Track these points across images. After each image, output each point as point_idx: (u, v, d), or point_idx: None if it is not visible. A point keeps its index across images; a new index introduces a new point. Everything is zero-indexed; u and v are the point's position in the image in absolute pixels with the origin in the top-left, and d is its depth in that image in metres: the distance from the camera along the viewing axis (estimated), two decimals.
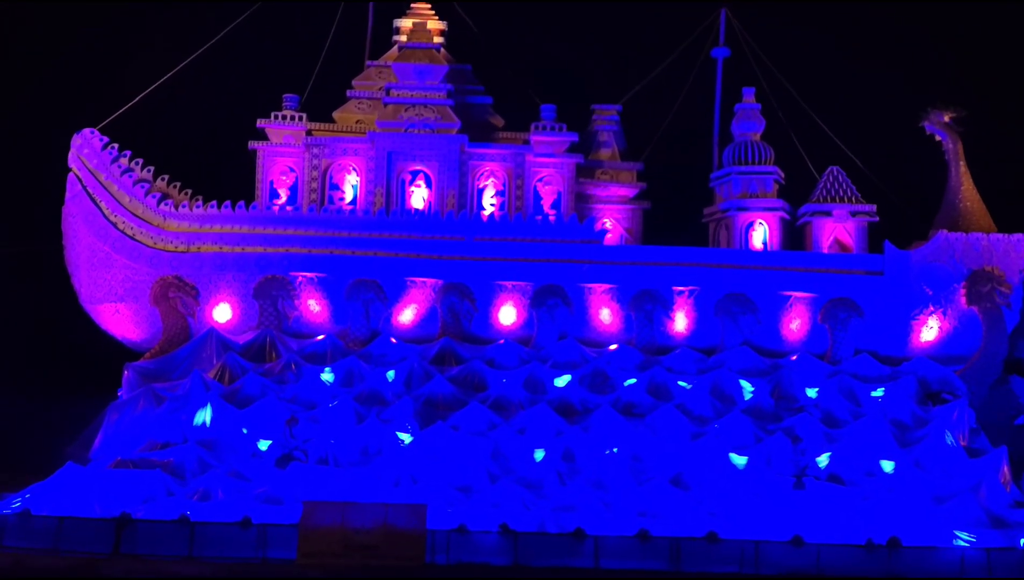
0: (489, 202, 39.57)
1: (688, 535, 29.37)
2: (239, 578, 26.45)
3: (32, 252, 40.46)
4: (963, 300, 36.82)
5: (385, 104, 39.60)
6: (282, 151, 39.53)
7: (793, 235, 40.43)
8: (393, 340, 36.56)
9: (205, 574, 24.48)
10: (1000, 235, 37.24)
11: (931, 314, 36.97)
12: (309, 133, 39.59)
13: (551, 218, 39.25)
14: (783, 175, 40.74)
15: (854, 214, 39.22)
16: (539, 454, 32.82)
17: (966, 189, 38.33)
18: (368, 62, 42.23)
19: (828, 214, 39.30)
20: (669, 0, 50.82)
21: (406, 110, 39.30)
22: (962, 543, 30.02)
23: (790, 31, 51.72)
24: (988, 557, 28.99)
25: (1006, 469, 32.76)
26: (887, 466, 32.59)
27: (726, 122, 42.41)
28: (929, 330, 36.98)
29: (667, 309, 37.34)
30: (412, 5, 42.29)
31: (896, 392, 35.14)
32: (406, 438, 32.93)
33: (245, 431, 32.91)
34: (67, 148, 37.97)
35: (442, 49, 41.36)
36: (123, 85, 40.41)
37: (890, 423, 33.86)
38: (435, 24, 41.57)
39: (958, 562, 28.93)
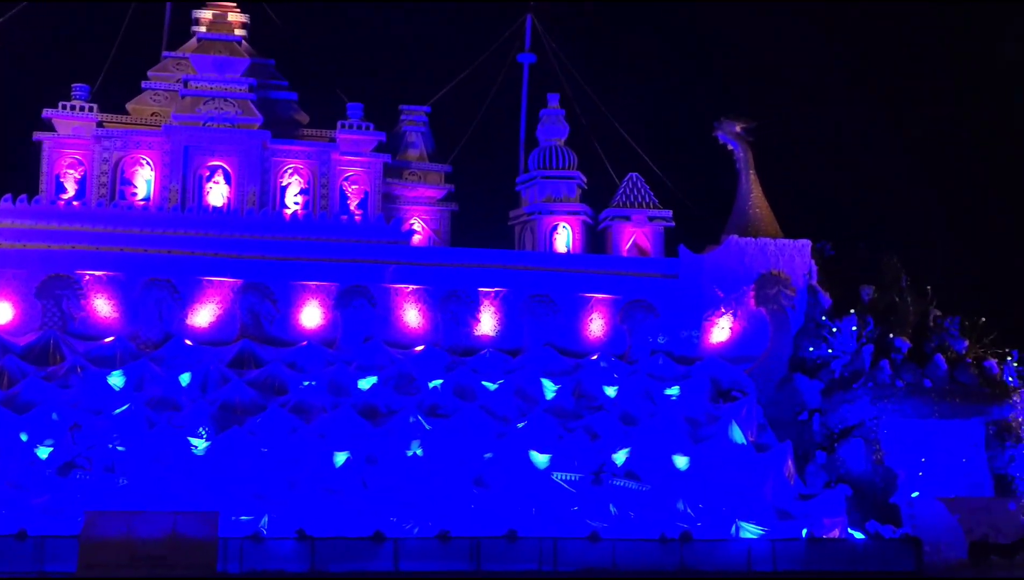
0: (293, 200, 38.62)
1: (488, 534, 29.37)
2: None
3: None
4: (752, 302, 38.18)
5: (182, 96, 38.08)
6: (70, 143, 37.47)
7: (595, 239, 41.27)
8: (188, 342, 35.14)
9: None
10: (786, 240, 38.90)
11: (723, 315, 38.21)
12: (100, 125, 37.68)
13: (357, 218, 38.62)
14: (586, 180, 41.57)
15: (652, 219, 40.36)
16: (340, 458, 32.14)
17: (755, 196, 39.92)
18: (165, 53, 40.52)
19: (627, 219, 40.30)
20: (479, 1, 51.11)
21: (205, 103, 37.95)
22: (749, 535, 31.22)
23: (596, 38, 53.13)
24: (773, 548, 30.20)
25: (790, 463, 34.22)
26: (680, 462, 33.46)
27: (532, 127, 43.01)
28: (720, 330, 38.23)
29: (473, 310, 37.33)
30: None
31: (690, 390, 36.15)
32: (200, 444, 31.67)
33: (24, 438, 30.85)
34: None
35: (244, 42, 40.13)
36: None
37: (684, 420, 34.79)
38: (236, 16, 40.27)
39: (745, 553, 30.04)
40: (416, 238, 40.09)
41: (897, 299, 37.77)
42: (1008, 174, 48.89)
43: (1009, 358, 37.22)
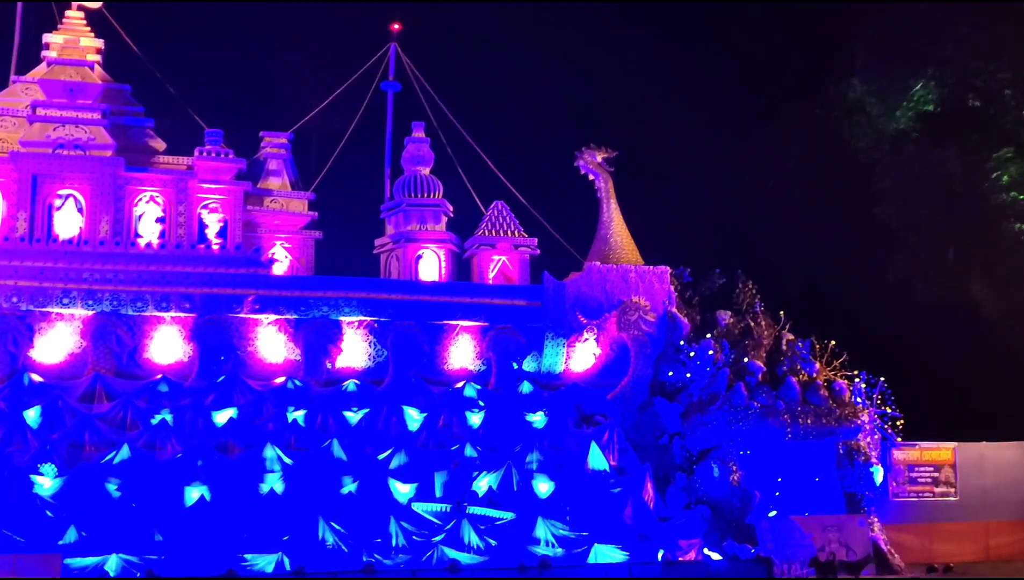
0: (149, 229, 37.22)
1: (347, 569, 28.77)
2: None
3: None
4: (615, 327, 38.48)
5: (31, 122, 36.52)
6: None
7: (461, 267, 41.15)
8: (34, 377, 33.61)
9: None
10: (646, 267, 39.41)
11: (585, 341, 38.43)
12: None
13: (216, 247, 37.51)
14: (451, 208, 41.42)
15: (517, 247, 40.49)
16: (193, 494, 31.18)
17: (616, 224, 40.38)
18: (13, 78, 38.80)
19: (493, 246, 40.38)
20: (345, 26, 50.69)
21: (55, 129, 36.49)
22: (609, 559, 31.28)
23: (461, 66, 53.15)
24: (630, 571, 30.40)
25: (650, 486, 34.57)
26: (543, 488, 33.47)
27: (397, 154, 42.67)
28: (585, 357, 38.44)
29: (336, 340, 36.63)
30: (64, 18, 39.22)
31: (554, 417, 36.25)
32: (46, 483, 30.42)
33: None
34: None
35: (97, 67, 38.69)
36: None
37: (548, 447, 34.86)
38: (90, 41, 38.78)
39: (604, 578, 30.07)
40: (279, 266, 39.20)
41: (752, 323, 38.55)
42: (851, 200, 50.52)
43: (857, 379, 38.36)
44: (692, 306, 39.35)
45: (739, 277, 40.10)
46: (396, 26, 43.86)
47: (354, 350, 36.92)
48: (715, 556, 32.96)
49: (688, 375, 37.58)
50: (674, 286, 39.36)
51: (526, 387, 37.36)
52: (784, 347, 38.64)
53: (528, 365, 38.00)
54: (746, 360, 37.78)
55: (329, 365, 36.33)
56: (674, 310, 38.82)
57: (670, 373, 37.82)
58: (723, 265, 40.60)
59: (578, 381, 38.00)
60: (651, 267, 39.31)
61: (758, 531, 34.07)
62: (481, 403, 36.44)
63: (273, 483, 32.01)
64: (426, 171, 41.54)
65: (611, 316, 38.46)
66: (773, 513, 35.20)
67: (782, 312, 39.40)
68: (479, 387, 37.01)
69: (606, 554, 31.42)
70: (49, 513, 29.66)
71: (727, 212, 54.59)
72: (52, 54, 38.24)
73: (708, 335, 38.25)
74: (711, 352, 37.69)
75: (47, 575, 26.10)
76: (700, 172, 56.84)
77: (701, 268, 40.27)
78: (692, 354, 37.73)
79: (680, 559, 31.76)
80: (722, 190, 55.23)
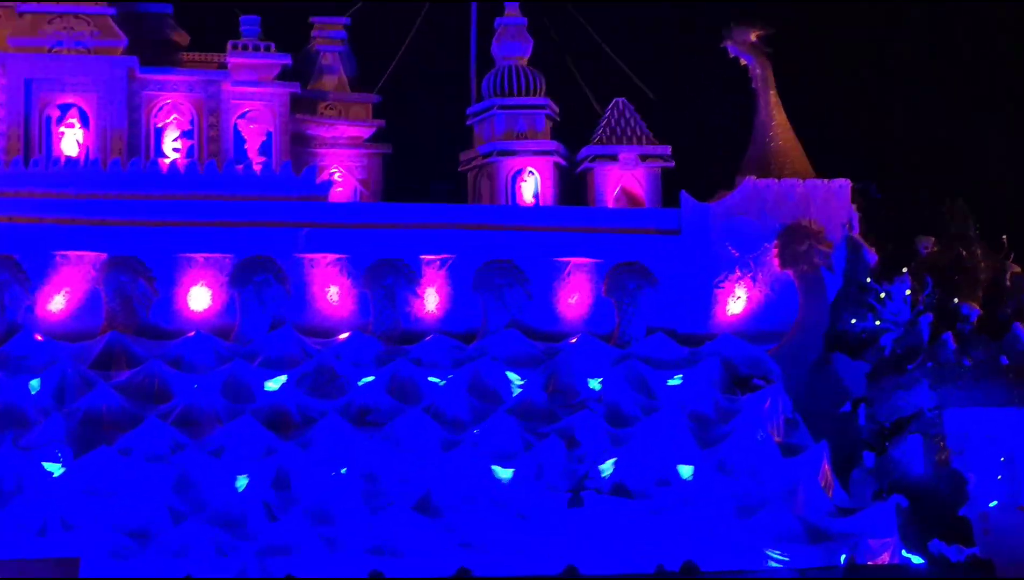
0: (172, 147, 38.53)
1: (435, 575, 29.38)
2: None
3: None
4: (776, 262, 38.30)
5: (20, 14, 37.84)
6: None
7: (571, 185, 41.21)
8: (38, 337, 35.03)
9: None
10: (819, 181, 38.98)
11: (738, 281, 38.35)
12: None
13: (257, 167, 38.43)
14: (558, 110, 41.42)
15: (644, 158, 40.32)
16: (241, 482, 32.10)
17: (778, 125, 39.96)
18: None
19: (613, 159, 40.27)
20: None
21: (50, 22, 37.80)
22: (774, 563, 31.31)
23: None
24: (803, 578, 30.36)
25: (827, 469, 34.42)
26: (684, 472, 33.54)
27: (485, 43, 42.75)
28: (736, 301, 38.38)
29: (413, 284, 37.26)
30: None
31: (696, 379, 36.26)
32: (56, 469, 31.57)
33: None
34: None
35: None
36: None
37: (689, 418, 34.89)
38: None
39: None
40: (337, 191, 39.88)
41: (964, 253, 37.80)
42: None
43: None
44: (883, 232, 38.87)
45: (946, 193, 39.47)
46: None
47: (436, 297, 37.54)
48: (916, 560, 32.70)
49: (877, 323, 37.21)
50: (857, 205, 38.91)
51: (660, 341, 37.40)
52: (1008, 283, 37.85)
53: (663, 312, 38.05)
54: (956, 302, 37.17)
55: (404, 316, 37.09)
56: (857, 237, 38.42)
57: (853, 320, 37.50)
58: (924, 179, 40.02)
59: (728, 332, 37.92)
60: (826, 180, 38.86)
61: (974, 526, 33.71)
62: (601, 362, 36.65)
63: (340, 467, 32.71)
64: (524, 61, 41.66)
65: (772, 246, 38.24)
66: (994, 503, 34.75)
67: (1004, 237, 38.57)
68: (599, 341, 37.22)
69: (771, 557, 31.43)
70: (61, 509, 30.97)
71: (932, 111, 53.35)
72: None
73: (904, 269, 37.74)
74: (908, 292, 37.23)
75: None
76: (896, 64, 55.59)
77: (893, 182, 39.76)
78: (883, 295, 37.31)
79: (869, 564, 31.58)
80: (924, 84, 53.97)
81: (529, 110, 40.90)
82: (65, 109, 37.65)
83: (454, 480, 32.44)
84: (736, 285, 38.38)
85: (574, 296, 38.10)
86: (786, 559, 31.32)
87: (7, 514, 30.25)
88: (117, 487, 31.17)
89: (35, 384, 33.74)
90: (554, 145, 40.70)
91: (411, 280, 37.33)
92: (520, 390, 35.64)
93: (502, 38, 41.86)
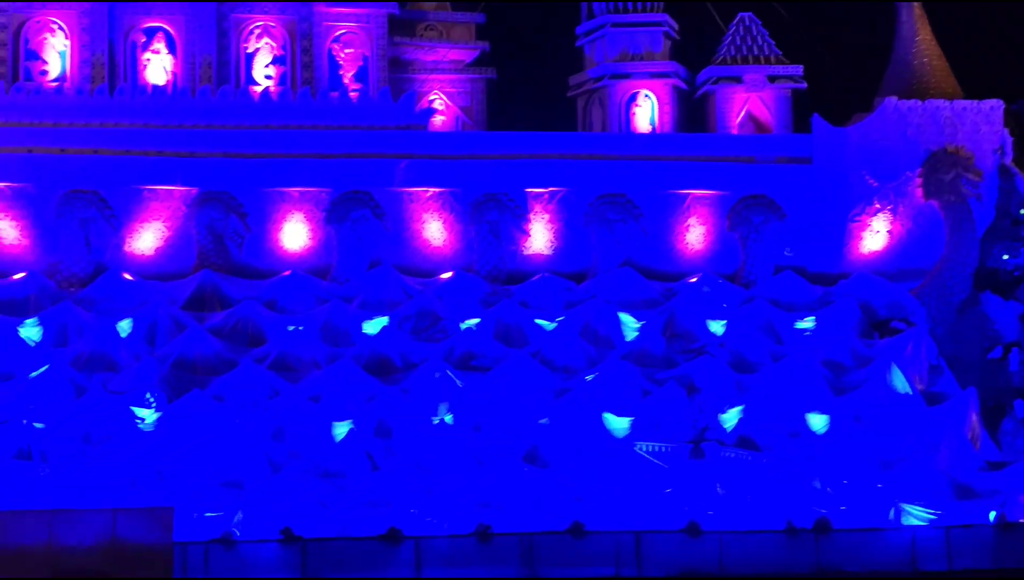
0: (263, 74, 38.94)
1: (546, 529, 29.80)
2: None
3: None
4: (919, 192, 37.87)
5: None
6: None
7: (691, 110, 41.05)
8: (126, 276, 35.92)
9: None
10: (968, 102, 38.38)
11: (876, 213, 38.02)
12: None
13: (353, 95, 38.81)
14: (677, 27, 41.12)
15: (773, 79, 40.02)
16: (341, 430, 32.77)
17: (922, 40, 39.40)
18: None
19: (738, 80, 40.03)
20: None
21: None
22: (915, 521, 31.20)
23: None
24: (948, 538, 30.16)
25: (975, 419, 34.15)
26: (817, 422, 33.52)
27: None
28: (874, 236, 38.09)
29: (520, 220, 37.53)
30: None
31: (830, 322, 36.11)
32: (148, 416, 32.45)
33: None
34: None
35: None
36: None
37: (821, 364, 34.77)
38: None
39: (908, 546, 30.03)
40: (438, 120, 40.14)
41: None
42: None
43: None
44: None
45: None
46: None
47: (544, 233, 37.77)
48: None
49: None
50: (1011, 129, 38.25)
51: (789, 280, 37.30)
52: None
53: (793, 249, 37.91)
54: None
55: (510, 254, 37.41)
56: (1011, 164, 37.81)
57: (1005, 256, 37.08)
58: None
59: (866, 270, 37.72)
60: (976, 101, 38.27)
61: None
62: (724, 304, 36.75)
63: (443, 414, 33.24)
64: None
65: (915, 175, 37.81)
66: None
67: None
68: (722, 281, 37.28)
69: (911, 514, 31.30)
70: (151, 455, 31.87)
71: None
72: None
73: None
74: None
75: (156, 536, 27.99)
76: None
77: None
78: None
79: (1022, 522, 31.27)
80: None
81: (645, 28, 40.71)
82: (151, 34, 38.23)
83: (565, 430, 32.77)
84: (874, 218, 38.04)
85: (694, 232, 38.08)
86: (930, 516, 31.17)
87: (97, 462, 31.24)
88: (211, 435, 31.97)
89: (125, 326, 34.63)
90: (672, 66, 40.49)
91: (517, 215, 37.53)
92: (635, 334, 35.78)
93: None
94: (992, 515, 31.41)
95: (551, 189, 37.73)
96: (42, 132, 36.22)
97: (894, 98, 38.31)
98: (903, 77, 39.25)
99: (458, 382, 33.78)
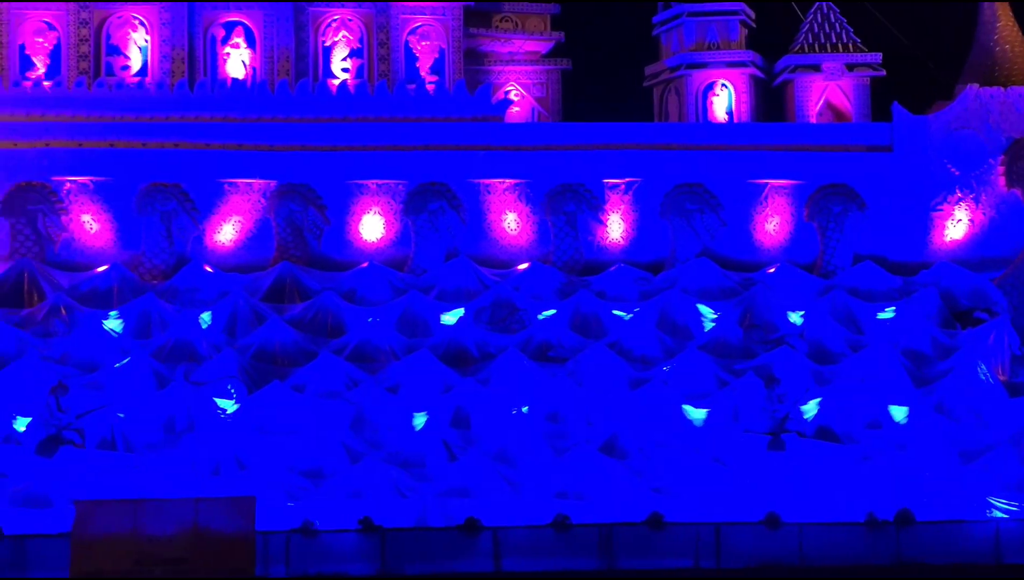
0: (341, 67, 39.21)
1: (624, 520, 29.65)
2: None
3: None
4: (1002, 181, 37.55)
5: None
6: (37, 3, 38.40)
7: (769, 100, 40.84)
8: (207, 268, 36.33)
9: None
10: None
11: (958, 202, 37.73)
12: None
13: (430, 87, 38.98)
14: (753, 15, 40.90)
15: (852, 67, 39.70)
16: (419, 419, 32.89)
17: (1004, 26, 39.01)
18: None
19: (816, 69, 39.76)
20: None
21: None
22: (999, 513, 30.77)
23: None
24: None
25: None
26: (898, 414, 33.23)
27: None
28: (956, 225, 37.78)
29: (596, 210, 37.45)
30: None
31: (911, 312, 35.81)
32: (229, 406, 32.80)
33: None
34: None
35: None
36: None
37: (902, 355, 34.48)
38: None
39: (992, 539, 29.60)
40: (514, 111, 40.18)
41: None
42: None
43: None
44: None
45: None
46: None
47: (621, 224, 37.66)
48: None
49: None
50: None
51: (870, 270, 37.03)
52: None
53: (873, 238, 37.58)
54: None
55: (586, 244, 37.35)
56: None
57: None
58: None
59: (947, 260, 37.39)
60: None
61: None
62: (802, 294, 36.43)
63: (521, 406, 33.23)
64: None
65: (998, 164, 37.44)
66: None
67: None
68: (800, 271, 37.04)
69: (996, 506, 30.88)
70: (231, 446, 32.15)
71: None
72: None
73: None
74: None
75: (239, 525, 28.20)
76: None
77: None
78: None
79: None
80: None
81: (722, 17, 40.55)
82: (230, 28, 38.62)
83: (642, 421, 32.66)
84: (956, 207, 37.72)
85: (772, 221, 37.90)
86: (1014, 508, 30.74)
87: (180, 452, 31.60)
88: (291, 425, 32.25)
89: (206, 317, 35.00)
90: (750, 55, 40.29)
91: (594, 206, 37.49)
92: (713, 324, 35.65)
93: None
94: None
95: (628, 179, 37.71)
96: (123, 126, 36.71)
97: (976, 85, 37.96)
98: (985, 65, 38.85)
99: (535, 373, 33.73)
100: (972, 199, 37.63)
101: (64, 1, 38.17)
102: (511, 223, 37.59)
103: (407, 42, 39.39)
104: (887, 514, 29.83)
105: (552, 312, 35.76)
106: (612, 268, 37.19)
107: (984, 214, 37.65)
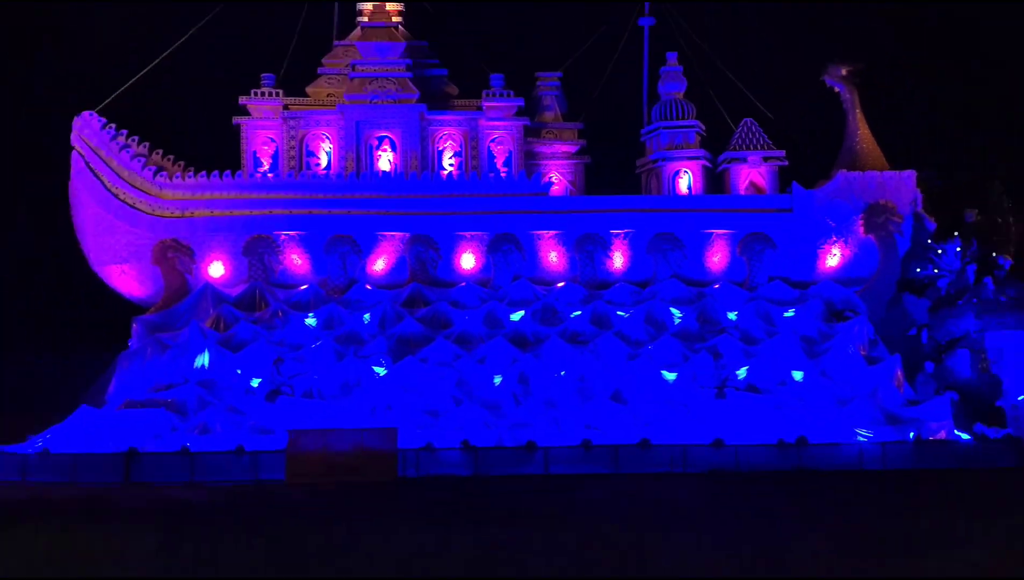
0: (448, 162, 39.04)
1: (626, 443, 29.55)
2: (235, 498, 26.38)
3: (45, 224, 39.85)
4: (861, 230, 36.79)
5: (351, 79, 38.86)
6: (263, 124, 38.77)
7: (714, 180, 40.21)
8: (368, 287, 36.31)
9: (204, 497, 24.39)
10: (892, 173, 37.12)
11: (834, 243, 36.97)
12: (286, 108, 38.81)
13: (503, 174, 38.81)
14: (704, 128, 40.42)
15: (766, 159, 39.05)
16: (497, 380, 32.87)
17: (862, 133, 38.18)
18: (335, 42, 41.20)
19: (744, 160, 39.13)
20: None
21: (370, 83, 38.60)
22: (861, 439, 30.36)
23: None
24: (883, 450, 29.34)
25: (899, 373, 33.06)
26: (797, 375, 32.84)
27: (654, 84, 41.90)
28: (833, 257, 37.03)
29: (606, 250, 37.22)
30: None
31: (805, 312, 35.28)
32: (381, 371, 32.90)
33: (239, 372, 32.74)
34: (68, 128, 37.21)
35: (400, 28, 40.48)
36: (117, 69, 39.41)
37: (800, 339, 34.02)
38: (393, 5, 40.57)
39: (857, 455, 29.25)
40: (554, 189, 40.11)
41: (999, 220, 35.45)
42: None
43: None
44: (940, 207, 36.69)
45: (986, 176, 37.00)
46: None
47: (621, 258, 37.35)
48: (964, 437, 31.11)
49: (936, 271, 35.32)
50: (921, 188, 36.80)
51: (778, 286, 36.38)
52: None
53: (780, 266, 36.89)
54: (994, 255, 34.88)
55: (600, 271, 36.87)
56: (921, 211, 36.42)
57: (918, 269, 35.69)
58: (969, 166, 37.57)
59: (827, 280, 36.64)
60: (897, 172, 36.91)
61: (1007, 414, 31.82)
62: (736, 301, 35.91)
63: (560, 371, 33.16)
64: (680, 96, 40.58)
65: (859, 219, 36.69)
66: (1022, 397, 32.62)
67: None
68: (735, 287, 36.50)
69: (859, 434, 30.43)
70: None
71: (970, 116, 49.83)
72: (364, 19, 40.21)
73: (956, 233, 35.60)
74: (959, 249, 35.14)
75: (387, 445, 28.38)
76: (941, 80, 51.99)
77: (948, 170, 37.46)
78: (940, 251, 35.37)
79: (931, 439, 30.22)
80: (968, 98, 50.35)
81: (684, 129, 39.97)
82: (380, 140, 38.67)
83: (636, 381, 32.61)
84: (833, 246, 37.01)
85: (717, 256, 37.36)
86: (871, 435, 30.32)
87: (352, 400, 31.85)
88: (419, 383, 32.41)
89: (367, 317, 35.11)
90: (702, 153, 39.82)
91: (605, 247, 37.22)
92: (680, 320, 35.31)
93: (665, 81, 40.96)
94: (912, 435, 30.43)
95: (626, 230, 37.32)
96: (316, 201, 36.75)
97: (844, 170, 37.30)
98: (849, 157, 38.12)
99: (569, 351, 33.45)
100: (843, 242, 36.94)
101: (279, 123, 38.57)
102: (553, 258, 37.36)
103: (489, 147, 39.31)
104: (791, 439, 29.63)
105: (579, 313, 35.55)
106: (616, 285, 36.79)
107: (851, 251, 36.92)
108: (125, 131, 37.32)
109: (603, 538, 17.56)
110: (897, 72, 49.60)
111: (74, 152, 36.98)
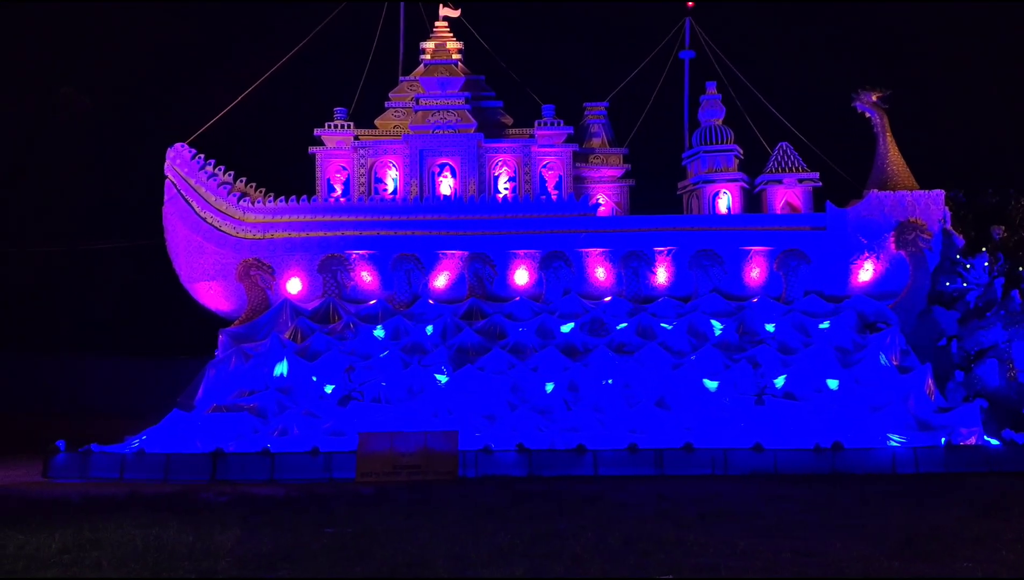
0: (503, 186, 39.32)
1: (669, 446, 29.39)
2: (310, 495, 26.82)
3: (143, 245, 41.04)
4: (892, 246, 36.20)
5: (416, 111, 39.41)
6: (335, 153, 39.47)
7: (751, 201, 39.88)
8: (431, 301, 36.67)
9: (281, 494, 24.89)
10: (921, 192, 36.49)
11: (867, 259, 36.40)
12: (356, 138, 39.48)
13: (554, 197, 38.94)
14: (742, 152, 40.16)
15: (801, 181, 38.60)
16: (549, 387, 32.94)
17: (892, 155, 37.56)
18: (401, 78, 41.88)
19: (780, 182, 38.74)
20: (642, 13, 49.95)
21: (432, 115, 39.09)
22: (894, 444, 29.78)
23: (747, 31, 50.78)
24: (915, 454, 28.74)
25: (931, 382, 32.39)
26: (832, 384, 32.39)
27: (694, 111, 41.69)
28: (865, 272, 36.44)
29: (650, 266, 37.11)
30: (435, 28, 41.84)
31: (839, 324, 34.79)
32: (442, 379, 33.17)
33: (314, 379, 33.27)
34: (161, 158, 38.39)
35: (459, 64, 40.97)
36: (205, 102, 40.59)
37: (834, 349, 33.58)
38: (453, 44, 41.10)
39: (890, 459, 28.70)
40: (601, 210, 40.14)
41: None
42: None
43: None
44: (967, 224, 35.95)
45: (1012, 194, 36.17)
46: (691, 3, 42.83)
47: (665, 273, 37.20)
48: (993, 442, 30.33)
49: (965, 285, 34.56)
50: (949, 206, 36.16)
51: (813, 300, 35.95)
52: None
53: (815, 281, 36.43)
54: (1021, 270, 34.03)
55: (644, 286, 36.73)
56: (949, 228, 35.72)
57: (947, 283, 34.95)
58: (996, 185, 36.72)
59: (860, 293, 36.07)
60: (927, 191, 36.27)
61: None
62: (774, 314, 35.51)
63: (608, 379, 33.09)
64: (719, 122, 40.39)
65: (890, 236, 36.09)
66: None
67: None
68: (772, 301, 36.13)
69: (892, 439, 29.83)
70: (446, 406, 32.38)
71: (1003, 136, 48.71)
72: (427, 56, 40.86)
73: (983, 249, 34.82)
74: (986, 264, 34.36)
75: (449, 447, 28.60)
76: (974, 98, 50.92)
77: (975, 188, 36.62)
78: (969, 266, 34.59)
79: (961, 445, 29.53)
80: (996, 117, 49.22)
81: (723, 153, 39.75)
82: (442, 167, 39.08)
83: (679, 388, 32.41)
84: (865, 262, 36.41)
85: (755, 271, 37.01)
86: (903, 440, 29.72)
87: (415, 405, 32.08)
88: (478, 389, 32.57)
89: (429, 329, 35.41)
90: (740, 175, 39.51)
91: (649, 263, 37.08)
92: (720, 332, 35.05)
93: (705, 108, 40.74)
94: (943, 440, 29.76)
95: (668, 247, 37.20)
96: (384, 223, 37.18)
97: (876, 190, 36.74)
98: (880, 177, 37.49)
99: (616, 361, 33.42)
100: (875, 257, 36.36)
101: (350, 152, 39.27)
102: (600, 274, 37.37)
103: (540, 172, 39.51)
104: (826, 444, 29.20)
105: (625, 325, 35.52)
106: (660, 300, 36.65)
107: (883, 266, 36.31)
108: (212, 160, 38.35)
109: (649, 532, 17.57)
110: (925, 93, 48.75)
111: (167, 181, 38.10)
